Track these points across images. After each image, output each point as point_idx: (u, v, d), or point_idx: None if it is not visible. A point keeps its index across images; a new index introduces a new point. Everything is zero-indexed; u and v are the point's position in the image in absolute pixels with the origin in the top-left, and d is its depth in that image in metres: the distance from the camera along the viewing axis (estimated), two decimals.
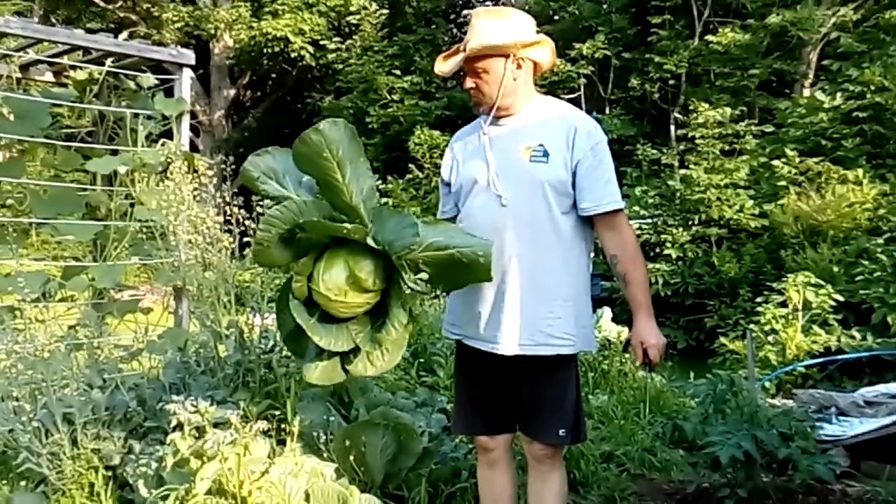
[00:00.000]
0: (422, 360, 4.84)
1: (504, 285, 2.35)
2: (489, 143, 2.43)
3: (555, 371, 2.40)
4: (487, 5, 18.55)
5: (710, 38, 13.30)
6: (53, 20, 17.29)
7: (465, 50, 2.38)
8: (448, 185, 2.57)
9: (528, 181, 2.34)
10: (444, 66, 2.44)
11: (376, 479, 3.06)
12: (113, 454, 2.92)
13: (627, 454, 3.91)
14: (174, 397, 2.77)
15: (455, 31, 19.81)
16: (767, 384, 6.81)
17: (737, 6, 14.08)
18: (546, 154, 2.34)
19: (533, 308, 2.34)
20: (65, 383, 3.09)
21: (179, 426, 2.65)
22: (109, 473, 2.91)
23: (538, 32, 2.47)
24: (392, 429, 3.08)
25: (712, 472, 3.60)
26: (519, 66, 2.39)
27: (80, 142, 4.26)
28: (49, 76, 4.62)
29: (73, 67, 4.34)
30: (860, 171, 10.01)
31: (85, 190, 4.26)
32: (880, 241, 8.76)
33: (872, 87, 10.39)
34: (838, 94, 10.93)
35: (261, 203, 3.55)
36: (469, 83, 2.42)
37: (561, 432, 2.40)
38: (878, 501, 3.58)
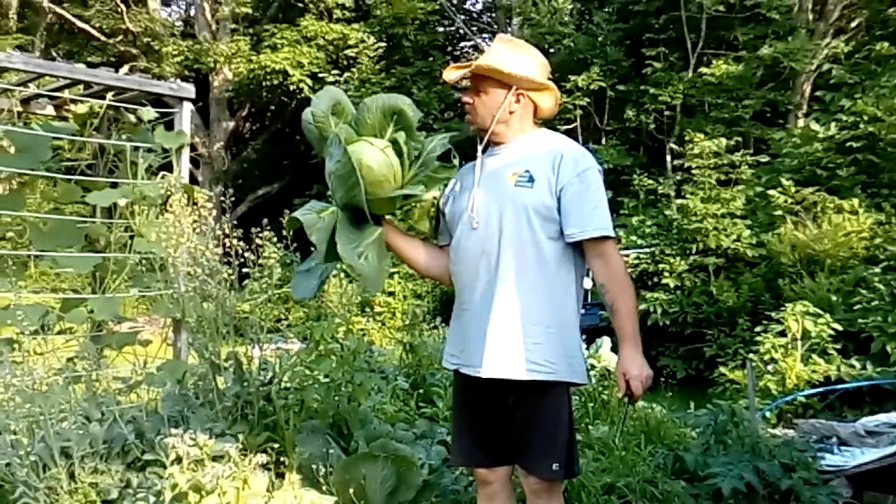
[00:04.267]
0: (421, 391, 4.82)
1: (490, 309, 2.36)
2: (482, 171, 2.48)
3: (543, 402, 2.39)
4: (485, 37, 18.76)
5: (703, 69, 13.43)
6: (54, 54, 17.45)
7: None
8: (444, 214, 2.60)
9: (513, 206, 2.37)
10: (452, 74, 2.50)
11: None
12: (111, 488, 2.90)
13: (629, 486, 3.87)
14: (173, 430, 2.76)
15: (452, 63, 19.99)
16: (768, 414, 6.78)
17: (730, 38, 14.24)
18: (531, 179, 2.38)
19: (512, 332, 2.34)
20: (63, 416, 3.08)
21: (178, 459, 2.64)
22: None
23: (549, 80, 2.52)
24: (392, 461, 3.07)
25: None
26: (518, 101, 2.45)
27: (80, 175, 4.27)
28: (50, 110, 4.65)
29: (74, 101, 4.37)
30: (856, 201, 10.05)
31: (84, 222, 4.27)
32: (877, 270, 8.78)
33: (865, 118, 10.48)
34: (832, 125, 11.00)
35: (260, 235, 3.58)
36: (467, 98, 2.49)
37: (554, 467, 2.39)
38: None
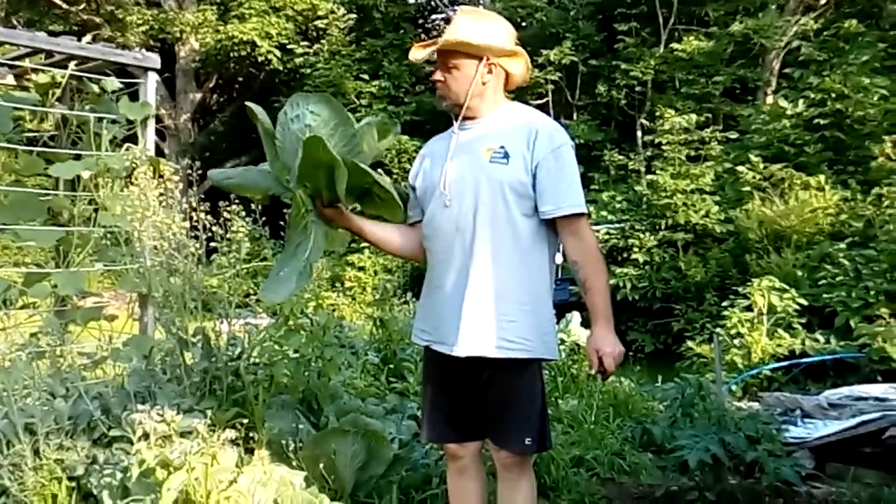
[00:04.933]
0: (391, 366, 4.83)
1: (465, 287, 2.34)
2: (455, 145, 2.44)
3: (518, 379, 2.38)
4: (456, 10, 18.60)
5: (675, 45, 13.48)
6: (14, 22, 16.99)
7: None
8: (415, 189, 2.57)
9: (488, 182, 2.34)
10: (418, 53, 2.45)
11: (346, 487, 3.04)
12: (77, 464, 2.85)
13: (597, 458, 3.92)
14: (139, 406, 2.72)
15: (424, 36, 19.85)
16: (734, 387, 6.90)
17: (701, 14, 14.29)
18: (507, 156, 2.34)
19: (487, 310, 2.32)
20: (26, 392, 3.02)
21: (145, 435, 2.61)
22: (73, 484, 2.85)
23: (517, 45, 2.47)
24: (362, 436, 3.06)
25: (681, 476, 3.63)
26: (490, 71, 2.39)
27: (42, 146, 4.17)
28: (10, 79, 4.52)
29: (35, 70, 4.25)
30: (822, 177, 10.21)
31: (47, 195, 4.17)
32: (842, 245, 8.93)
33: (833, 95, 10.60)
34: (800, 102, 11.13)
35: (228, 209, 3.53)
36: (438, 76, 2.42)
37: (527, 441, 2.39)
38: (843, 503, 3.63)
